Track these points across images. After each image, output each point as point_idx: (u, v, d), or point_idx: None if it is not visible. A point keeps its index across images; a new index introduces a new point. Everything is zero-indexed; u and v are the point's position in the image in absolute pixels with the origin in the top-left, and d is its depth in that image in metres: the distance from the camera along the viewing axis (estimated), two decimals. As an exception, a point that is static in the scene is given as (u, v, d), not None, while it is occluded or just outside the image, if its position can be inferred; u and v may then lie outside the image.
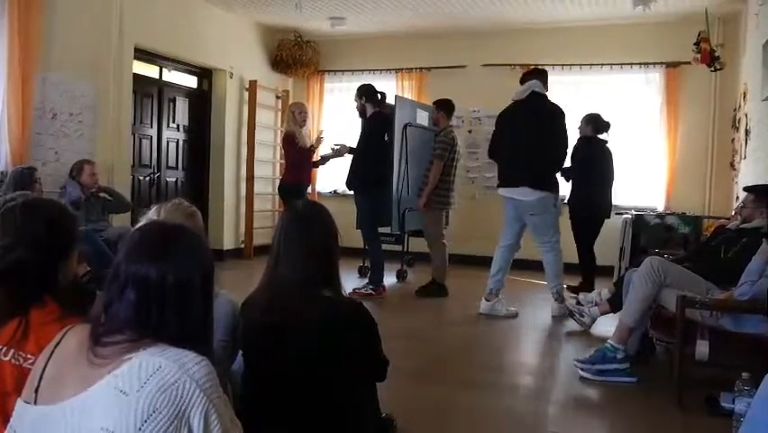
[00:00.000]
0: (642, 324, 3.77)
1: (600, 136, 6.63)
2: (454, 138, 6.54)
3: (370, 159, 6.24)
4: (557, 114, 5.41)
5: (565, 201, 6.59)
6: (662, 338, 4.02)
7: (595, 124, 6.61)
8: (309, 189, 7.93)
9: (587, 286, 6.43)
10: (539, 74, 5.61)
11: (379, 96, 6.35)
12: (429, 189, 6.31)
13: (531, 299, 6.41)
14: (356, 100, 6.34)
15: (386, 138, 6.23)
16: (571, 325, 5.12)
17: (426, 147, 6.73)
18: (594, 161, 6.53)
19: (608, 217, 6.64)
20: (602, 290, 5.11)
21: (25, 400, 1.35)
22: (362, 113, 6.34)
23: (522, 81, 5.62)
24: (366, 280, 6.40)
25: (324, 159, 6.96)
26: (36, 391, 1.33)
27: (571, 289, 6.34)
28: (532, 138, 5.28)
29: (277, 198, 8.83)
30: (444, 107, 6.59)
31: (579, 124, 6.70)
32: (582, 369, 3.79)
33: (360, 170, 6.27)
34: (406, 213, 6.84)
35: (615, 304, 4.50)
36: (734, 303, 3.32)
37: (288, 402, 1.98)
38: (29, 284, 1.70)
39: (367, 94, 6.28)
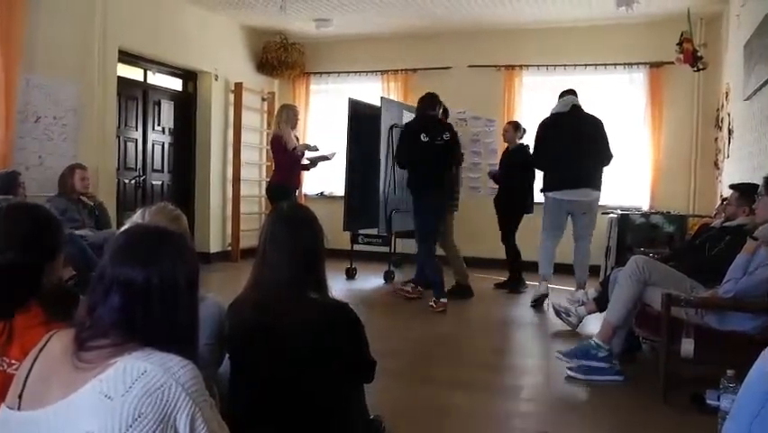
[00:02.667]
0: (627, 322, 3.79)
1: (523, 141, 6.95)
2: None
3: (405, 162, 6.14)
4: (601, 122, 6.02)
5: None
6: (647, 336, 4.05)
7: (522, 131, 6.98)
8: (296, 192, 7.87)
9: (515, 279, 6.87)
10: (573, 91, 6.19)
11: (429, 102, 6.17)
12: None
13: (514, 297, 6.44)
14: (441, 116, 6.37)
15: (423, 138, 5.95)
16: (559, 324, 5.15)
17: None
18: (528, 164, 6.59)
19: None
20: (589, 289, 5.14)
21: (9, 406, 1.33)
22: None
23: (561, 98, 6.19)
24: (412, 281, 6.49)
25: (313, 161, 6.88)
26: (20, 396, 1.32)
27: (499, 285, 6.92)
28: (590, 145, 5.85)
29: (264, 200, 8.82)
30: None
31: (505, 130, 7.10)
32: (569, 368, 3.82)
33: (409, 174, 6.18)
34: (393, 214, 6.83)
35: (601, 303, 4.52)
36: (718, 301, 3.35)
37: (275, 404, 1.97)
38: (15, 288, 1.69)
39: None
